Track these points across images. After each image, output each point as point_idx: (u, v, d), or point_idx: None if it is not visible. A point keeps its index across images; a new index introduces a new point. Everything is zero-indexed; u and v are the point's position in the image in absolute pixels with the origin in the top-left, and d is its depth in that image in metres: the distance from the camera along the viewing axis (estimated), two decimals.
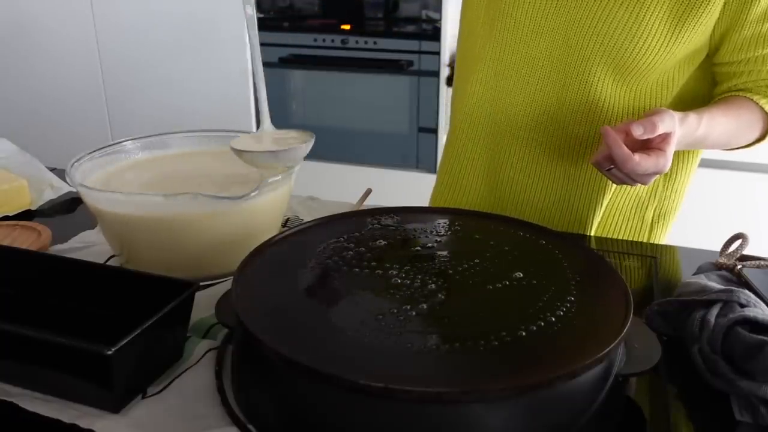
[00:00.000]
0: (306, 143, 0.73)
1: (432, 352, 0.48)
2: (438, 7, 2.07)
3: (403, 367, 0.47)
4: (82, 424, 0.50)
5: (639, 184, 0.78)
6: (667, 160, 0.72)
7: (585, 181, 0.88)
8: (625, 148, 0.71)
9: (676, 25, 0.77)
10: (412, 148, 2.25)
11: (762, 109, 0.82)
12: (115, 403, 0.51)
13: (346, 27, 2.19)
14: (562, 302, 0.54)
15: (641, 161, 0.71)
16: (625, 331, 0.49)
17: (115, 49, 2.35)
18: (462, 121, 0.93)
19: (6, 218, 0.87)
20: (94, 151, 0.78)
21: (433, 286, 0.57)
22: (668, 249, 0.86)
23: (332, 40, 2.20)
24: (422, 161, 2.25)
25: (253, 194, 0.67)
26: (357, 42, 2.18)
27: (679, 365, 0.59)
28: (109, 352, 0.47)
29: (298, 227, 0.67)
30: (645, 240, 0.94)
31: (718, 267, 0.69)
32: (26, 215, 0.90)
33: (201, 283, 0.60)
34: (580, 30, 0.81)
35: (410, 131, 2.23)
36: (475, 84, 0.90)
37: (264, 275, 0.58)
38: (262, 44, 0.76)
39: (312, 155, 0.75)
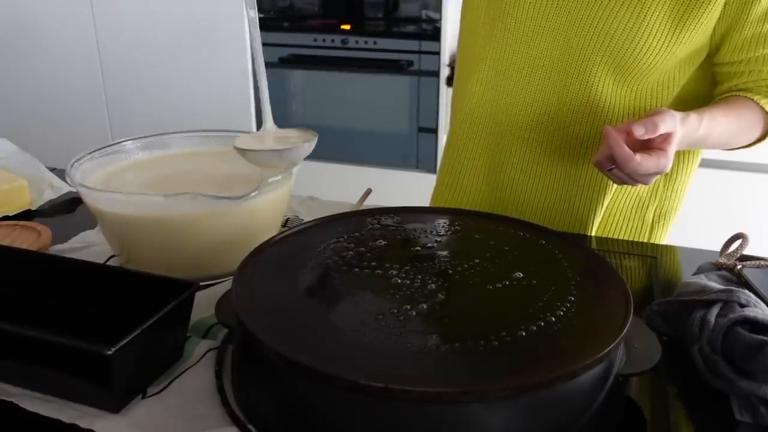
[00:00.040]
0: (309, 142, 0.73)
1: (432, 352, 0.48)
2: (438, 7, 2.07)
3: (403, 367, 0.47)
4: (82, 424, 0.50)
5: (640, 184, 0.78)
6: (668, 160, 0.73)
7: (586, 181, 0.88)
8: (627, 148, 0.71)
9: (677, 25, 0.77)
10: (412, 148, 2.25)
11: (762, 109, 0.82)
12: (115, 403, 0.51)
13: (346, 27, 2.19)
14: (562, 302, 0.54)
15: (643, 161, 0.71)
16: (625, 331, 0.49)
17: (115, 49, 2.35)
18: (462, 121, 0.93)
19: (6, 218, 0.87)
20: (94, 151, 0.78)
21: (433, 286, 0.57)
22: (668, 249, 0.86)
23: (332, 40, 2.20)
24: (422, 161, 2.25)
25: (253, 194, 0.67)
26: (357, 42, 2.18)
27: (679, 365, 0.59)
28: (109, 352, 0.47)
29: (298, 227, 0.67)
30: (645, 240, 0.94)
31: (718, 267, 0.69)
32: (26, 215, 0.90)
33: (201, 283, 0.60)
34: (581, 30, 0.81)
35: (410, 131, 2.23)
36: (475, 84, 0.90)
37: (264, 275, 0.58)
38: (262, 44, 0.76)
39: (312, 155, 0.75)
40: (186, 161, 0.84)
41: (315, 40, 2.22)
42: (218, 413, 0.51)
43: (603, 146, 0.75)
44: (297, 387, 0.48)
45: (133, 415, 0.51)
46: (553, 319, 0.52)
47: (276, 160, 0.73)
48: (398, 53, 2.15)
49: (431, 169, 2.21)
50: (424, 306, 0.53)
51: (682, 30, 0.77)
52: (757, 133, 0.85)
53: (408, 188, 2.20)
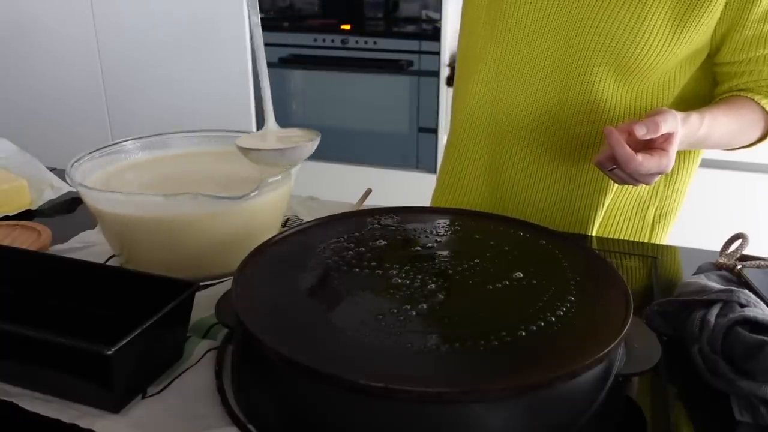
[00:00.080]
0: (312, 141, 0.74)
1: (432, 352, 0.48)
2: (438, 7, 2.07)
3: (403, 367, 0.47)
4: (82, 424, 0.50)
5: (641, 184, 0.78)
6: (669, 160, 0.73)
7: (586, 181, 0.88)
8: (628, 148, 0.71)
9: (678, 25, 0.77)
10: (412, 148, 2.25)
11: (763, 108, 0.82)
12: (115, 403, 0.51)
13: (346, 27, 2.19)
14: (562, 302, 0.54)
15: (644, 161, 0.71)
16: (625, 331, 0.49)
17: (115, 49, 2.35)
18: (463, 122, 0.93)
19: (6, 218, 0.87)
20: (94, 151, 0.78)
21: (433, 286, 0.57)
22: (668, 249, 0.86)
23: (332, 40, 2.20)
24: (422, 161, 2.25)
25: (253, 194, 0.67)
26: (357, 42, 2.18)
27: (679, 365, 0.59)
28: (109, 352, 0.47)
29: (298, 227, 0.67)
30: (646, 240, 0.94)
31: (718, 267, 0.69)
32: (26, 215, 0.90)
33: (201, 283, 0.60)
34: (582, 30, 0.81)
35: (410, 131, 2.23)
36: (476, 84, 0.90)
37: (264, 275, 0.58)
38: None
39: (312, 155, 0.75)
40: (186, 161, 0.84)
41: (315, 40, 2.22)
42: (218, 413, 0.51)
43: (604, 146, 0.75)
44: (297, 387, 0.48)
45: (133, 415, 0.51)
46: (553, 319, 0.52)
47: (279, 160, 0.73)
48: (398, 53, 2.15)
49: (431, 169, 2.21)
50: (424, 306, 0.53)
51: (683, 30, 0.77)
52: (757, 133, 0.85)
53: (408, 188, 2.20)
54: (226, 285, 0.63)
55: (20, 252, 0.68)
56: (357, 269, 0.60)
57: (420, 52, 2.13)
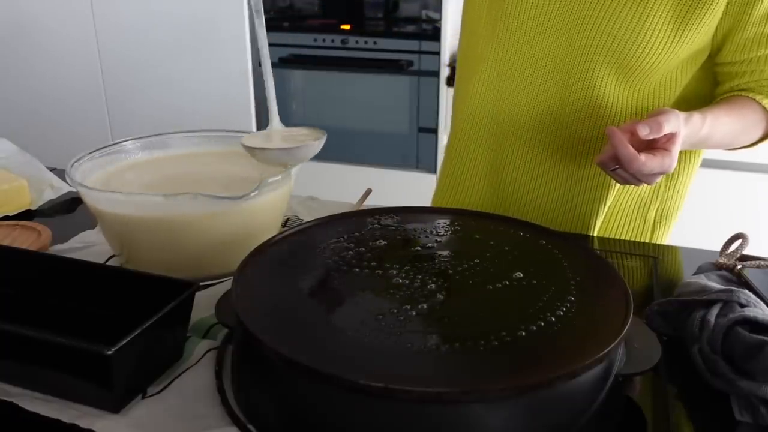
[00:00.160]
0: (319, 140, 0.74)
1: (432, 352, 0.48)
2: (438, 7, 2.07)
3: (403, 367, 0.47)
4: (82, 424, 0.50)
5: (643, 184, 0.78)
6: (672, 160, 0.73)
7: (588, 181, 0.88)
8: (631, 148, 0.71)
9: (679, 26, 0.77)
10: (412, 148, 2.25)
11: (764, 108, 0.82)
12: (115, 403, 0.51)
13: (346, 27, 2.19)
14: (562, 302, 0.54)
15: (647, 161, 0.71)
16: (625, 331, 0.49)
17: (115, 49, 2.35)
18: (464, 122, 0.93)
19: (6, 218, 0.87)
20: (94, 151, 0.78)
21: (433, 286, 0.57)
22: (668, 249, 0.86)
23: (332, 40, 2.20)
24: (422, 161, 2.25)
25: (253, 194, 0.67)
26: (357, 42, 2.18)
27: (679, 365, 0.59)
28: (109, 352, 0.47)
29: (298, 227, 0.67)
30: (647, 240, 0.94)
31: (718, 267, 0.69)
32: (26, 215, 0.90)
33: (201, 283, 0.60)
34: (583, 30, 0.81)
35: (410, 131, 2.23)
36: (477, 84, 0.90)
37: (264, 275, 0.58)
38: None
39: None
40: (186, 161, 0.84)
41: (315, 40, 2.22)
42: (218, 413, 0.51)
43: (607, 146, 0.75)
44: (297, 387, 0.48)
45: (133, 415, 0.51)
46: (553, 319, 0.52)
47: (285, 159, 0.73)
48: (398, 53, 2.15)
49: (431, 169, 2.21)
50: (424, 306, 0.53)
51: (684, 30, 0.77)
52: (759, 133, 0.85)
53: (408, 188, 2.20)
54: (226, 285, 0.63)
55: (20, 252, 0.68)
56: (357, 269, 0.59)
57: (420, 52, 2.13)
